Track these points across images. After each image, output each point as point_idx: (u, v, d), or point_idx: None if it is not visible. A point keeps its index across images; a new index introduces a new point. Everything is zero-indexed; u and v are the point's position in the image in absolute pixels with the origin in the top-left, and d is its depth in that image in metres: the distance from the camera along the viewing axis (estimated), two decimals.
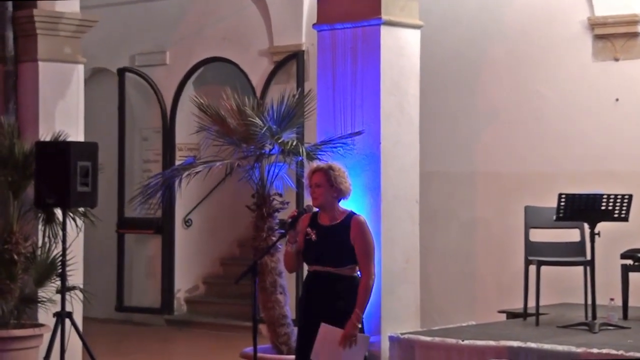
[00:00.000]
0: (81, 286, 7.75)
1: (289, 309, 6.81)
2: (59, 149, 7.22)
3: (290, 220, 5.59)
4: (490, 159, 9.07)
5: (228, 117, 6.85)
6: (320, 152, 6.67)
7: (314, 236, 5.54)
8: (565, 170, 8.61)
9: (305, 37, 10.12)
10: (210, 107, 6.94)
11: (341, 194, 5.56)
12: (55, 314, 7.01)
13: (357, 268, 5.55)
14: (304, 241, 5.60)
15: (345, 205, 5.73)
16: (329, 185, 5.52)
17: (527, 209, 7.26)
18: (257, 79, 10.47)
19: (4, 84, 8.27)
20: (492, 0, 9.10)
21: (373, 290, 5.60)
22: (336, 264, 5.50)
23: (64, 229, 7.08)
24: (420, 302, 6.90)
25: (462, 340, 6.29)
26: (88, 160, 7.13)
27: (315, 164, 5.77)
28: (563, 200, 6.64)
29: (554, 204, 6.70)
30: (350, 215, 5.58)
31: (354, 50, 6.77)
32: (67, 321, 6.95)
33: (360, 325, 5.44)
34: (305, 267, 5.77)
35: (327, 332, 5.40)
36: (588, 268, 6.84)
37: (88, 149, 7.24)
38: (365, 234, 5.52)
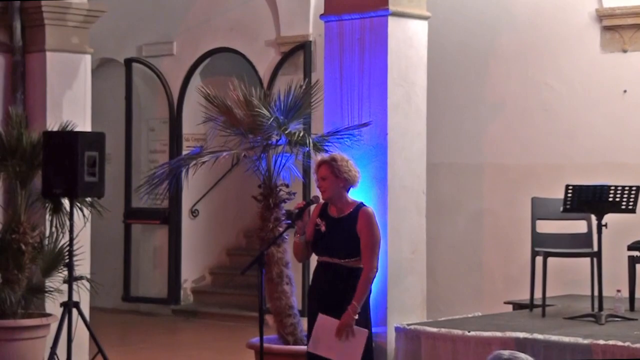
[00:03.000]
0: (88, 276, 7.76)
1: (296, 299, 6.82)
2: (67, 139, 7.22)
3: (297, 211, 5.59)
4: (498, 151, 9.06)
5: (235, 108, 6.85)
6: (327, 143, 6.66)
7: (323, 227, 5.54)
8: (573, 161, 8.59)
9: (313, 28, 10.11)
10: (217, 98, 6.93)
11: (348, 183, 5.56)
12: (63, 304, 7.02)
13: None
14: (313, 231, 5.60)
15: (352, 196, 5.73)
16: (334, 177, 5.53)
17: (534, 201, 7.24)
18: (264, 70, 10.46)
19: (11, 74, 8.28)
20: None
21: (379, 281, 5.62)
22: (344, 256, 5.51)
23: (71, 219, 7.09)
24: (426, 293, 6.90)
25: (469, 331, 6.29)
26: (95, 150, 7.13)
27: (320, 156, 5.77)
28: (570, 191, 6.62)
29: (561, 195, 6.69)
30: (359, 206, 5.58)
31: (362, 41, 6.75)
32: (74, 311, 6.97)
33: (356, 317, 5.41)
34: (315, 257, 5.78)
35: (324, 322, 5.41)
36: (595, 259, 6.83)
37: (95, 139, 7.25)
38: (372, 227, 5.52)
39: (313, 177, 5.71)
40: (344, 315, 5.40)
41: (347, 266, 5.50)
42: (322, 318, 5.41)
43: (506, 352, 2.74)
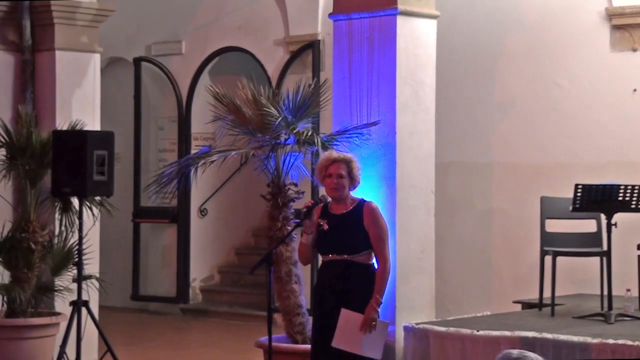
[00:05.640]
0: (97, 275, 7.78)
1: (304, 298, 6.82)
2: (76, 137, 7.24)
3: (305, 209, 5.60)
4: (507, 149, 9.05)
5: (243, 107, 6.85)
6: (335, 143, 6.66)
7: (326, 226, 5.56)
8: (583, 160, 8.57)
9: (321, 27, 10.11)
10: (226, 97, 6.94)
11: (356, 184, 5.64)
12: (72, 303, 7.04)
13: (373, 254, 5.58)
14: (316, 232, 5.61)
15: (362, 195, 5.75)
16: (350, 177, 5.59)
17: (543, 200, 7.23)
18: (272, 69, 10.47)
19: (21, 73, 8.30)
20: None
21: (388, 279, 5.64)
22: (351, 251, 5.53)
23: (80, 217, 7.11)
24: (435, 292, 6.89)
25: (477, 331, 6.28)
26: (104, 149, 7.15)
27: (335, 153, 5.77)
28: (579, 190, 6.61)
29: (570, 194, 6.67)
30: (362, 202, 5.63)
31: (370, 40, 6.75)
32: (84, 310, 6.98)
33: (379, 310, 5.48)
34: (319, 258, 5.78)
35: (347, 318, 5.45)
36: (604, 259, 6.81)
37: (104, 138, 7.26)
38: (379, 220, 5.58)
39: (318, 173, 5.69)
40: (367, 310, 5.45)
41: (356, 262, 5.53)
42: (345, 313, 5.44)
43: (515, 351, 2.73)
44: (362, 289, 5.52)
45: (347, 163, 5.59)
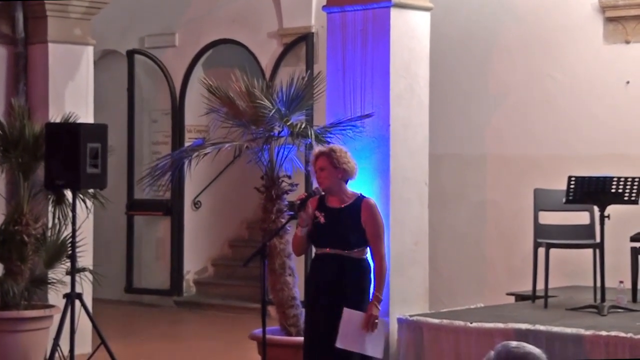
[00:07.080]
0: (91, 267, 7.78)
1: (298, 290, 6.82)
2: (69, 130, 7.23)
3: (299, 202, 5.59)
4: (501, 142, 9.06)
5: (237, 99, 6.84)
6: (329, 135, 6.66)
7: (322, 219, 5.55)
8: (576, 152, 8.59)
9: (315, 19, 10.10)
10: (220, 89, 6.93)
11: (346, 175, 5.58)
12: (65, 295, 7.03)
13: (366, 250, 5.58)
14: (312, 225, 5.61)
15: (354, 187, 5.75)
16: (333, 168, 5.54)
17: (537, 192, 7.24)
18: (266, 61, 10.46)
19: (14, 65, 8.28)
20: None
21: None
22: (346, 246, 5.53)
23: (73, 210, 7.10)
24: (429, 284, 6.90)
25: (471, 323, 6.30)
26: (98, 141, 7.14)
27: (317, 148, 5.77)
28: (573, 182, 6.62)
29: (563, 186, 6.68)
30: (360, 198, 5.60)
31: (364, 33, 6.74)
32: (77, 302, 6.98)
33: (380, 308, 5.49)
34: (312, 250, 5.78)
35: (349, 317, 5.45)
36: (597, 251, 6.83)
37: (98, 131, 7.25)
38: (377, 217, 5.57)
39: (311, 169, 5.71)
40: (369, 307, 5.46)
41: (351, 257, 5.53)
42: (347, 312, 5.44)
43: (514, 342, 2.73)
44: (357, 283, 5.53)
45: (327, 155, 5.56)
